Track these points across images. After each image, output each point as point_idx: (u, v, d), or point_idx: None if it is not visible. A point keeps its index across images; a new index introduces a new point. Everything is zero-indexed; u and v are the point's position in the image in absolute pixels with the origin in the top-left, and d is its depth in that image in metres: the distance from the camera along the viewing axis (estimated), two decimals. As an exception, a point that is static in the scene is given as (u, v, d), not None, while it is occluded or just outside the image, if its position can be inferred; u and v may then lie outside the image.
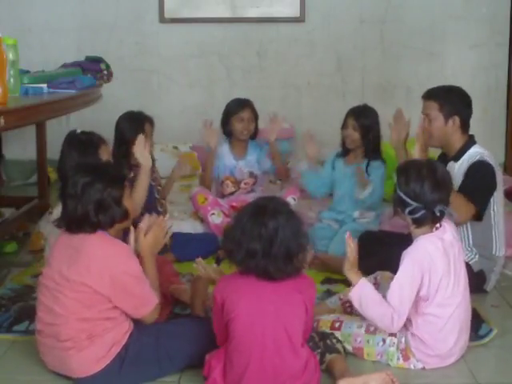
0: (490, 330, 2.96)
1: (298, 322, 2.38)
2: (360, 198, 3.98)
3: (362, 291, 2.67)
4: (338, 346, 2.66)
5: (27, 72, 3.98)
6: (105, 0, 6.01)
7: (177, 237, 3.97)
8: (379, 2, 5.99)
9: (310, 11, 5.99)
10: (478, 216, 3.23)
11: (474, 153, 3.32)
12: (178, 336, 2.63)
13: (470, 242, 3.31)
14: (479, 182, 3.23)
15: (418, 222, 2.68)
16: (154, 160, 3.98)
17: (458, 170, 3.30)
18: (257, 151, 4.42)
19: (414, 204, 2.64)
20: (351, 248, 2.72)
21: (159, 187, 4.00)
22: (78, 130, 3.26)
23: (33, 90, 3.56)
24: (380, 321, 2.64)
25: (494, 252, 3.34)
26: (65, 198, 2.58)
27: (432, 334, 2.64)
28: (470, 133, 3.42)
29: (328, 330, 2.75)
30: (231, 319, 2.36)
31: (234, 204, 4.24)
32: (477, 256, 3.30)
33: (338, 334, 2.74)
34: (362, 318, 2.85)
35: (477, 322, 2.93)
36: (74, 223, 2.55)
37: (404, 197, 2.66)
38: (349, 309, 3.00)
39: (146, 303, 2.58)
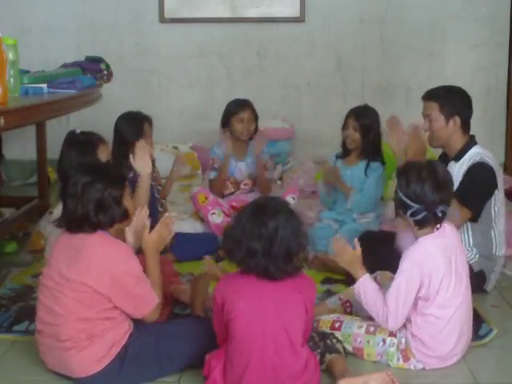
0: (490, 330, 2.96)
1: (298, 321, 2.38)
2: (348, 208, 3.99)
3: (363, 286, 2.69)
4: (338, 346, 2.66)
5: (27, 72, 3.98)
6: (105, 0, 6.01)
7: (177, 237, 3.97)
8: (379, 2, 5.99)
9: (310, 11, 5.99)
10: (474, 219, 3.25)
11: (475, 153, 3.32)
12: (178, 336, 2.63)
13: (471, 241, 3.31)
14: (477, 186, 3.23)
15: (420, 224, 2.67)
16: (154, 160, 3.99)
17: (458, 170, 3.30)
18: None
19: (416, 206, 2.64)
20: (356, 244, 2.74)
21: (159, 187, 4.00)
22: (78, 130, 3.26)
23: (33, 90, 3.56)
24: (376, 318, 2.67)
25: (494, 252, 3.34)
26: (65, 198, 2.58)
27: (433, 335, 2.64)
28: (471, 133, 3.42)
29: (328, 330, 2.75)
30: (231, 319, 2.36)
31: (234, 204, 4.24)
32: (477, 256, 3.30)
33: (338, 334, 2.74)
34: (363, 318, 2.86)
35: (477, 322, 2.92)
36: (74, 223, 2.55)
37: (405, 199, 2.66)
38: (349, 309, 3.00)
39: (146, 303, 2.57)
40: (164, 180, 4.16)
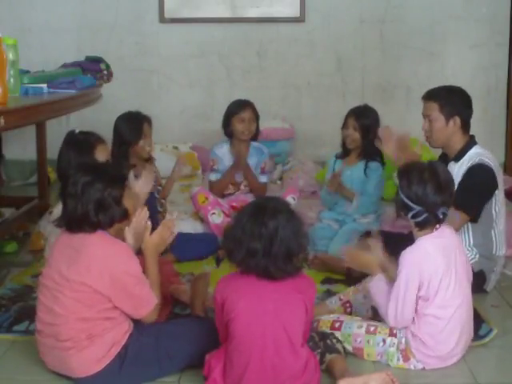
0: (490, 330, 2.96)
1: (298, 322, 2.38)
2: (349, 211, 3.99)
3: (376, 286, 2.73)
4: (338, 346, 2.66)
5: (27, 72, 3.98)
6: (105, 0, 6.01)
7: (177, 237, 3.97)
8: (379, 2, 5.99)
9: (310, 11, 5.99)
10: (473, 220, 3.26)
11: (474, 154, 3.32)
12: (178, 336, 2.63)
13: (471, 241, 3.31)
14: (476, 187, 3.22)
15: (421, 225, 2.68)
16: (154, 160, 4.00)
17: (457, 170, 3.29)
18: (258, 156, 4.40)
19: (417, 208, 2.64)
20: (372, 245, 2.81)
21: (159, 187, 4.00)
22: (77, 130, 3.25)
23: (33, 90, 3.56)
24: (383, 317, 2.71)
25: (494, 252, 3.34)
26: (65, 198, 2.58)
27: (433, 336, 2.64)
28: (471, 133, 3.42)
29: (328, 330, 2.75)
30: (231, 319, 2.36)
31: (234, 204, 4.24)
32: (477, 256, 3.30)
33: (338, 334, 2.73)
34: (363, 318, 2.86)
35: (477, 322, 2.92)
36: (74, 223, 2.55)
37: (406, 200, 2.66)
38: (349, 309, 3.00)
39: (146, 304, 2.57)
40: (164, 180, 4.16)
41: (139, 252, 2.71)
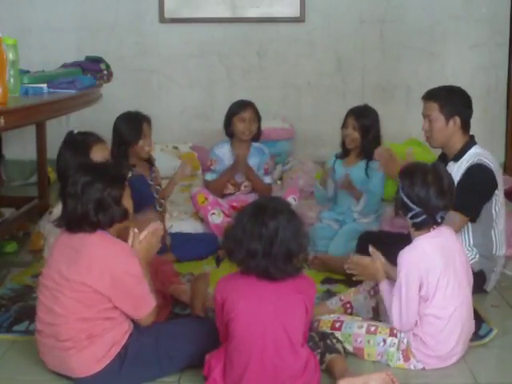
0: (490, 330, 2.96)
1: (298, 322, 2.38)
2: (355, 210, 3.99)
3: (382, 291, 2.77)
4: (338, 346, 2.66)
5: (27, 72, 3.98)
6: (105, 0, 6.00)
7: (177, 237, 3.98)
8: (379, 2, 5.99)
9: (310, 11, 5.98)
10: (472, 220, 3.26)
11: (474, 154, 3.31)
12: (178, 336, 2.62)
13: (471, 241, 3.31)
14: (475, 188, 3.22)
15: (418, 226, 2.68)
16: (153, 160, 3.99)
17: (456, 170, 3.29)
18: (259, 156, 4.40)
19: (417, 209, 2.64)
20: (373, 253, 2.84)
21: (158, 187, 4.00)
22: (76, 131, 3.25)
23: (33, 90, 3.56)
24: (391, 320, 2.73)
25: (494, 252, 3.34)
26: (64, 198, 2.58)
27: (433, 336, 2.64)
28: (471, 133, 3.42)
29: (328, 330, 2.75)
30: (231, 319, 2.36)
31: (235, 204, 4.23)
32: (477, 256, 3.29)
33: (338, 334, 2.73)
34: (363, 318, 2.86)
35: (477, 322, 2.92)
36: (74, 222, 2.55)
37: (407, 200, 2.66)
38: (349, 310, 3.00)
39: (146, 304, 2.57)
40: (164, 180, 4.15)
41: None
